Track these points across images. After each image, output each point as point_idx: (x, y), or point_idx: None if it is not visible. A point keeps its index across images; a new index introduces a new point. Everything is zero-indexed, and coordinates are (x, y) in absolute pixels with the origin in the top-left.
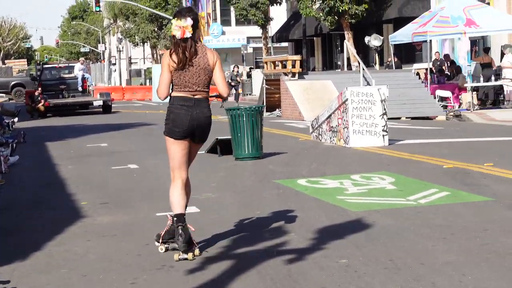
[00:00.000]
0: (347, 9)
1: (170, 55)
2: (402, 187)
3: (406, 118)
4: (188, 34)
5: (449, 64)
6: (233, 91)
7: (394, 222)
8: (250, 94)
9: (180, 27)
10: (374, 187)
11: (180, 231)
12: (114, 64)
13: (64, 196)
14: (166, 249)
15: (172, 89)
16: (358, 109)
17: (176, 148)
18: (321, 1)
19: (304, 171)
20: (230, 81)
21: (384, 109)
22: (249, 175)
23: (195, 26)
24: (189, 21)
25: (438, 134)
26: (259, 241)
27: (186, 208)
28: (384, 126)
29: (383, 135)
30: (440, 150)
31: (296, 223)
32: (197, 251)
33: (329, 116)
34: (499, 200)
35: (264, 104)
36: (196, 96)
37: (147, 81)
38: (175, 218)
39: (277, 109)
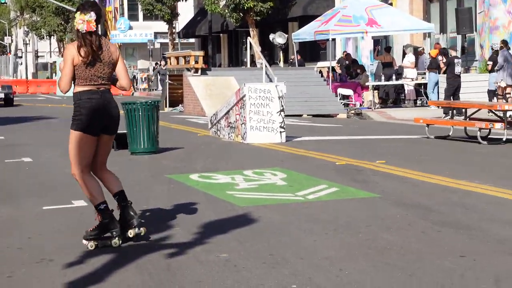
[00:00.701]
0: (252, 6)
1: (78, 49)
2: (293, 183)
3: (308, 115)
4: (93, 28)
5: (349, 63)
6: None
7: (280, 217)
8: (156, 90)
9: (84, 21)
10: (265, 183)
11: (130, 205)
12: (21, 57)
13: None
14: (96, 246)
15: (74, 83)
16: (256, 105)
17: (88, 143)
18: None
19: (198, 166)
20: (160, 76)
21: (282, 105)
22: (142, 169)
23: (98, 21)
24: (93, 15)
25: (337, 132)
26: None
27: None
28: (282, 122)
29: (280, 132)
30: (336, 147)
31: (182, 218)
32: (142, 230)
33: (228, 112)
34: (385, 197)
35: (167, 99)
36: (100, 89)
37: (53, 74)
38: (102, 206)
39: (180, 105)
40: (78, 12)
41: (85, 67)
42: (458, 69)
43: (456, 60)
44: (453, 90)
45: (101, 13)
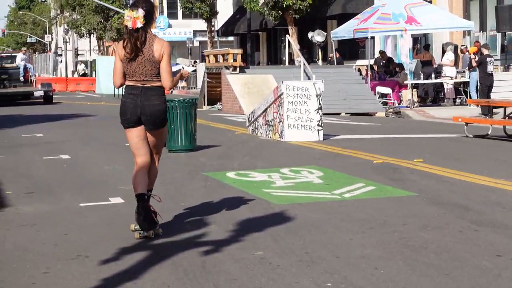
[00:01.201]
0: (291, 4)
1: (123, 45)
2: (329, 181)
3: (346, 114)
4: (139, 25)
5: (384, 62)
6: None
7: (316, 216)
8: (194, 88)
9: (131, 17)
10: (302, 181)
11: (140, 210)
12: (61, 55)
13: None
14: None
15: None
16: (294, 103)
17: (130, 135)
18: None
19: (235, 164)
20: None
21: (320, 103)
22: (179, 167)
23: (149, 17)
24: (140, 12)
25: (375, 130)
26: (178, 232)
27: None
28: (319, 120)
29: (318, 130)
30: (374, 145)
31: (218, 215)
32: (160, 230)
33: (265, 110)
34: (422, 196)
35: (205, 97)
36: (145, 85)
37: (93, 72)
38: (136, 198)
39: (218, 103)
40: (128, 9)
41: (127, 62)
42: (490, 67)
43: (488, 59)
44: (487, 89)
45: (152, 10)
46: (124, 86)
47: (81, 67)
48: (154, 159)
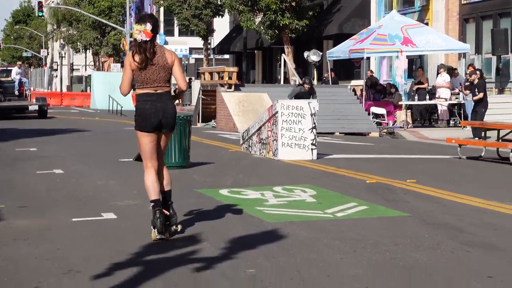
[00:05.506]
0: (287, 23)
1: (133, 55)
2: (322, 200)
3: (340, 133)
4: (148, 37)
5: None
6: None
7: (308, 234)
8: (189, 104)
9: (140, 31)
10: (294, 199)
11: (157, 215)
12: (56, 70)
13: None
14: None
15: (135, 87)
16: (288, 122)
17: (146, 140)
18: (262, 15)
19: (228, 182)
20: None
21: (314, 123)
22: (172, 183)
23: (155, 31)
24: (148, 26)
25: (368, 150)
26: (170, 249)
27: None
28: (313, 140)
29: (312, 149)
30: (367, 165)
31: (210, 232)
32: (179, 227)
33: (259, 128)
34: (415, 216)
35: (200, 114)
36: (158, 91)
37: (88, 88)
38: (152, 203)
39: (212, 120)
40: (136, 23)
41: (140, 71)
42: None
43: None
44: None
45: (157, 24)
46: (138, 94)
47: None
48: (162, 163)
